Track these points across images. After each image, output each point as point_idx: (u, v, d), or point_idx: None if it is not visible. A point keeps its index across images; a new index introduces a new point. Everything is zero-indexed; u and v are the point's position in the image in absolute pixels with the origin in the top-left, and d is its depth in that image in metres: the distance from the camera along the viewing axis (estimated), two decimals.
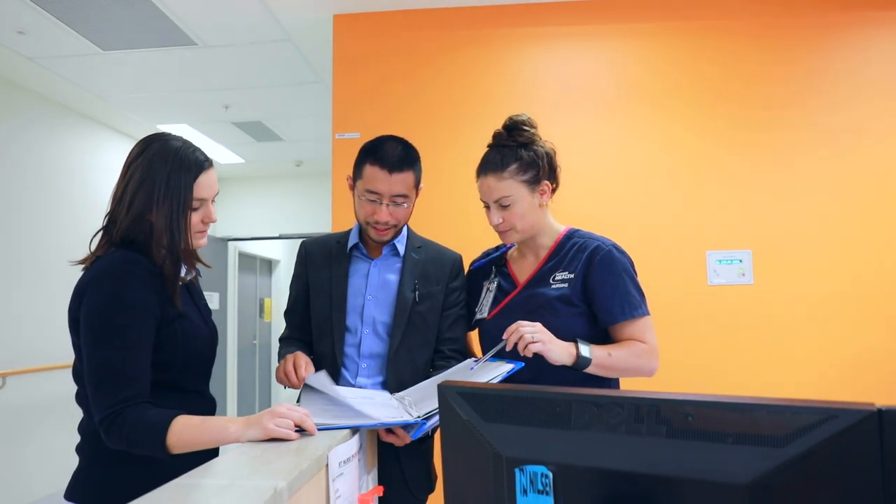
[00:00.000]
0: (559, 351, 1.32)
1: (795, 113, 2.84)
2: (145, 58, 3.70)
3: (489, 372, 1.33)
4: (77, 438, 1.24)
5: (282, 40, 3.49)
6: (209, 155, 1.31)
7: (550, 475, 0.75)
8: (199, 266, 1.36)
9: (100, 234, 1.25)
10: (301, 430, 1.12)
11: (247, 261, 7.09)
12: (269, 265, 7.82)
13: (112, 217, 1.22)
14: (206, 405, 1.31)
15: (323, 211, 6.50)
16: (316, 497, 0.99)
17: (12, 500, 3.71)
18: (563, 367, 1.35)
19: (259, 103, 4.55)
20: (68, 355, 1.20)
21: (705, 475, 0.66)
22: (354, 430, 1.22)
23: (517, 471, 0.77)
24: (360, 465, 1.24)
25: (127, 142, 5.09)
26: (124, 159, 1.24)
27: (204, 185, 1.25)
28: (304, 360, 1.49)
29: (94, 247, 1.23)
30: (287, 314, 1.75)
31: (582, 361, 1.34)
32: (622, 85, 2.94)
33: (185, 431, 1.09)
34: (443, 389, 0.86)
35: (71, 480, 1.20)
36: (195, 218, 1.25)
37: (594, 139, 2.89)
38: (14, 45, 3.48)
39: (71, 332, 1.18)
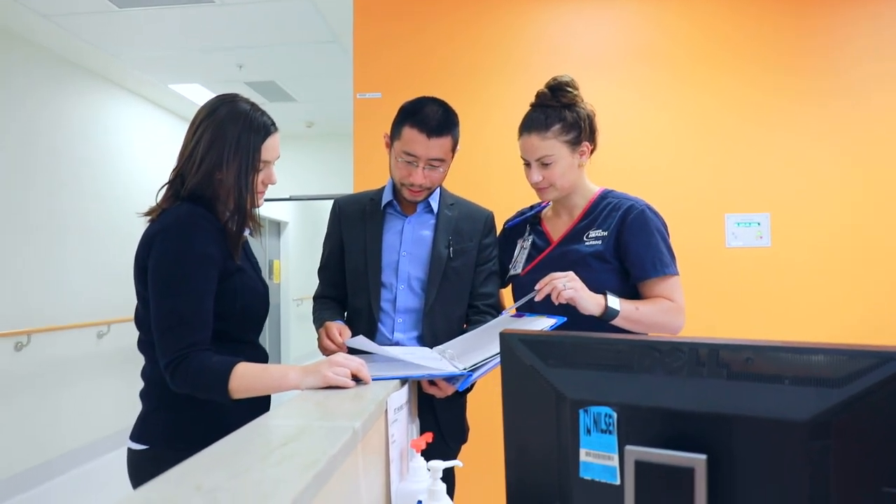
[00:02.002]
0: (589, 300, 1.38)
1: (815, 76, 2.82)
2: (161, 15, 3.66)
3: (531, 325, 1.38)
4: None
5: None
6: None
7: (614, 415, 0.79)
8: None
9: (165, 187, 1.29)
10: (356, 380, 1.17)
11: None
12: (278, 227, 7.85)
13: (180, 172, 1.26)
14: (259, 354, 1.37)
15: (334, 173, 6.50)
16: (377, 441, 1.05)
17: (40, 452, 3.84)
18: (593, 323, 1.40)
19: (274, 63, 4.52)
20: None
21: (765, 413, 0.71)
22: (404, 381, 1.27)
23: (581, 412, 0.82)
24: (408, 414, 1.30)
25: (138, 102, 5.07)
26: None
27: (270, 147, 1.30)
28: (336, 328, 1.52)
29: (159, 199, 1.28)
30: (321, 271, 1.79)
31: (610, 312, 1.39)
32: (640, 47, 2.92)
33: (246, 377, 1.14)
34: (505, 337, 0.91)
35: (136, 424, 1.26)
36: (257, 178, 1.29)
37: (612, 102, 2.88)
38: (29, 2, 3.44)
39: (136, 280, 1.23)
